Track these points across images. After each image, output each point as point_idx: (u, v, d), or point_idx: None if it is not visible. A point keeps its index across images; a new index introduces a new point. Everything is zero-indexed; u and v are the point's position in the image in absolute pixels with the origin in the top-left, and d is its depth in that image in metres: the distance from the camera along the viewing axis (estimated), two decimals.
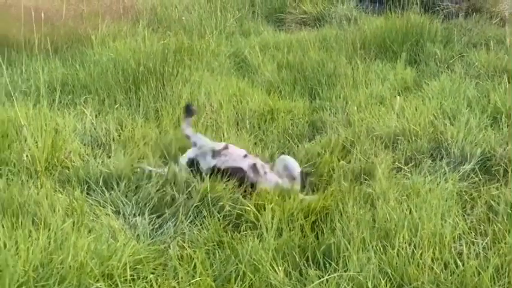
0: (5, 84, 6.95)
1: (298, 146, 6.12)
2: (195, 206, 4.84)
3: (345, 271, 4.03)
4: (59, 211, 4.39)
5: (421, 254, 4.15)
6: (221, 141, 6.01)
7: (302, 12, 12.03)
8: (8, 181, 4.89)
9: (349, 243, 4.26)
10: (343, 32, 10.15)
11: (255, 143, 6.25)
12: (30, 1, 9.55)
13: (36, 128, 5.76)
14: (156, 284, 3.74)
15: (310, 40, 9.71)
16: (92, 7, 10.34)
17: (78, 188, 4.90)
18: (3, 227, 4.07)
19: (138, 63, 7.55)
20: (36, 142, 5.50)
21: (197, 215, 4.73)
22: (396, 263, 4.09)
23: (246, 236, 4.40)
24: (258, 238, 4.33)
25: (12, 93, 6.43)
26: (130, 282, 3.82)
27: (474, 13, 10.81)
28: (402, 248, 4.20)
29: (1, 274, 3.51)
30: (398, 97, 6.70)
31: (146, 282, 3.82)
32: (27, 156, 5.28)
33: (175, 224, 4.63)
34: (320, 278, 3.93)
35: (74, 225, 4.22)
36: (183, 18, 10.50)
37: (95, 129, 6.32)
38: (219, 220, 4.59)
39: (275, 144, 6.23)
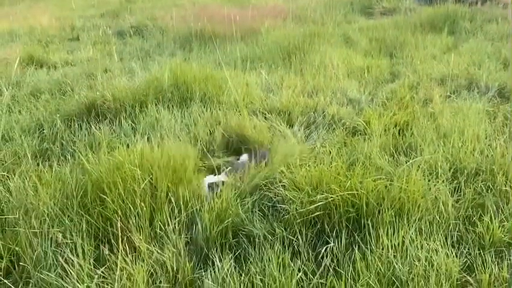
0: (217, 58, 8.62)
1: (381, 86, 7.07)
2: None
3: (421, 155, 4.50)
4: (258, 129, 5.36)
5: (467, 146, 4.61)
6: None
7: (382, 7, 13.94)
8: (226, 113, 5.92)
9: (423, 141, 4.81)
10: (408, 18, 11.45)
11: (359, 85, 7.11)
12: (224, 9, 11.08)
13: (236, 83, 6.76)
14: None
15: (388, 24, 11.04)
16: (261, 12, 12.35)
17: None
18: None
19: (289, 43, 8.92)
20: (237, 91, 6.45)
21: None
22: (452, 152, 4.58)
23: None
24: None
25: (221, 63, 7.83)
26: None
27: (487, 1, 12.55)
28: (456, 143, 4.67)
29: None
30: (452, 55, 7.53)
31: None
32: (233, 99, 6.26)
33: None
34: (406, 162, 4.41)
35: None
36: (311, 15, 12.10)
37: (267, 81, 7.27)
38: None
39: (372, 85, 7.13)
